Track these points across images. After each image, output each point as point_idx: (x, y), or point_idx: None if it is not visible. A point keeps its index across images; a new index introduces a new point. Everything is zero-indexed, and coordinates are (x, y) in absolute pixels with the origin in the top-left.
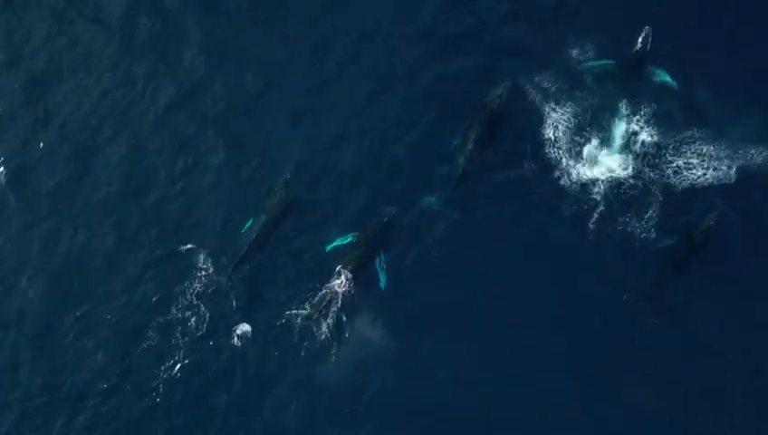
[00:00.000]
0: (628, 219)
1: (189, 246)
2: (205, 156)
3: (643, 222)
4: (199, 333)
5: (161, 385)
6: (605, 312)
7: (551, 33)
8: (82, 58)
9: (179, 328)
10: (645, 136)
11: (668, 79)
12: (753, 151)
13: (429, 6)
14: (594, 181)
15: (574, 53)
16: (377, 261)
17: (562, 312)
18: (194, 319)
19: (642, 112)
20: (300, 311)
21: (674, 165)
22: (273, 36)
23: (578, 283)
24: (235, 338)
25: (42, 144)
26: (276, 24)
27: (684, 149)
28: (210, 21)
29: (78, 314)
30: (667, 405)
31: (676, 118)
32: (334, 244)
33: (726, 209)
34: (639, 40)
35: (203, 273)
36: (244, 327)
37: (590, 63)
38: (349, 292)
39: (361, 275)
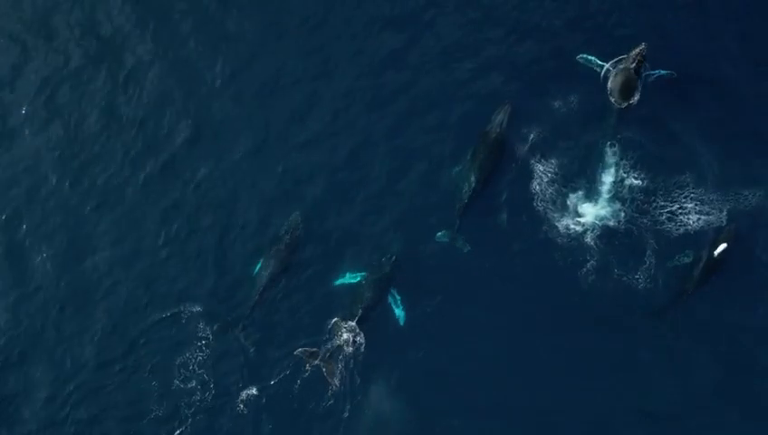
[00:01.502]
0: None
1: (187, 313)
2: (192, 217)
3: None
4: (204, 401)
5: None
6: (623, 340)
7: (533, 81)
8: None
9: (184, 398)
10: (637, 182)
11: (664, 72)
12: (746, 193)
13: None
14: (587, 230)
15: (557, 103)
16: (390, 300)
17: (581, 356)
18: (198, 387)
19: (632, 157)
20: (309, 353)
21: (667, 210)
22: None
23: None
24: (241, 404)
25: (27, 217)
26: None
27: (676, 194)
28: (188, 84)
29: (72, 387)
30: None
31: (666, 162)
32: (343, 280)
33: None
34: (634, 54)
35: (203, 341)
36: (250, 390)
37: (588, 57)
38: (359, 338)
39: (373, 316)
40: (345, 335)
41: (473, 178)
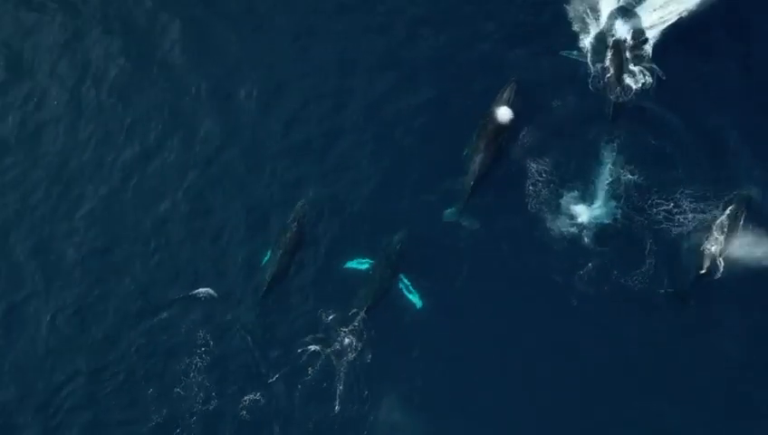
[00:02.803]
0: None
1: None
2: (189, 210)
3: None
4: (206, 407)
5: None
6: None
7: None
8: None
9: (184, 403)
10: (632, 178)
11: (656, 67)
12: (741, 190)
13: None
14: (584, 230)
15: (555, 103)
16: (401, 287)
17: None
18: (200, 393)
19: (627, 157)
20: (320, 339)
21: (663, 208)
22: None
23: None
24: (244, 410)
25: (7, 211)
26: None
27: (671, 191)
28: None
29: (66, 394)
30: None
31: (661, 159)
32: (352, 264)
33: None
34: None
35: (202, 348)
36: (253, 395)
37: (570, 52)
38: (367, 328)
39: (381, 303)
40: (354, 325)
41: (479, 159)
